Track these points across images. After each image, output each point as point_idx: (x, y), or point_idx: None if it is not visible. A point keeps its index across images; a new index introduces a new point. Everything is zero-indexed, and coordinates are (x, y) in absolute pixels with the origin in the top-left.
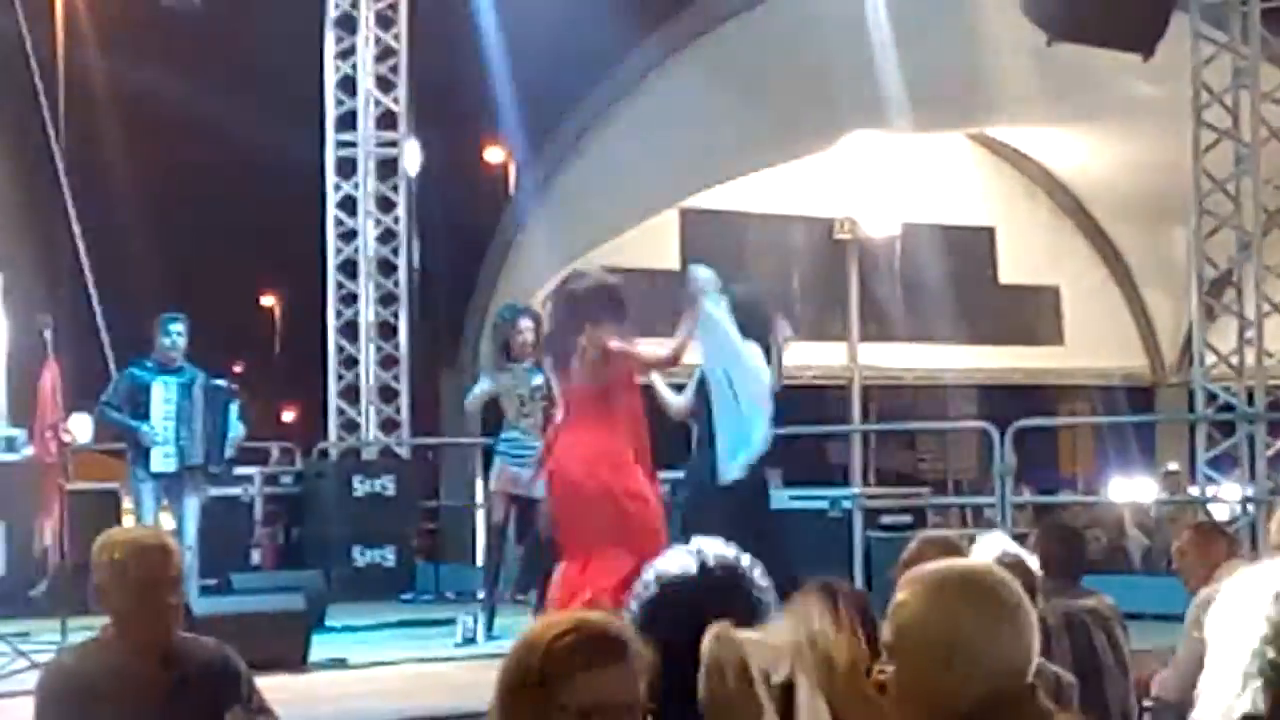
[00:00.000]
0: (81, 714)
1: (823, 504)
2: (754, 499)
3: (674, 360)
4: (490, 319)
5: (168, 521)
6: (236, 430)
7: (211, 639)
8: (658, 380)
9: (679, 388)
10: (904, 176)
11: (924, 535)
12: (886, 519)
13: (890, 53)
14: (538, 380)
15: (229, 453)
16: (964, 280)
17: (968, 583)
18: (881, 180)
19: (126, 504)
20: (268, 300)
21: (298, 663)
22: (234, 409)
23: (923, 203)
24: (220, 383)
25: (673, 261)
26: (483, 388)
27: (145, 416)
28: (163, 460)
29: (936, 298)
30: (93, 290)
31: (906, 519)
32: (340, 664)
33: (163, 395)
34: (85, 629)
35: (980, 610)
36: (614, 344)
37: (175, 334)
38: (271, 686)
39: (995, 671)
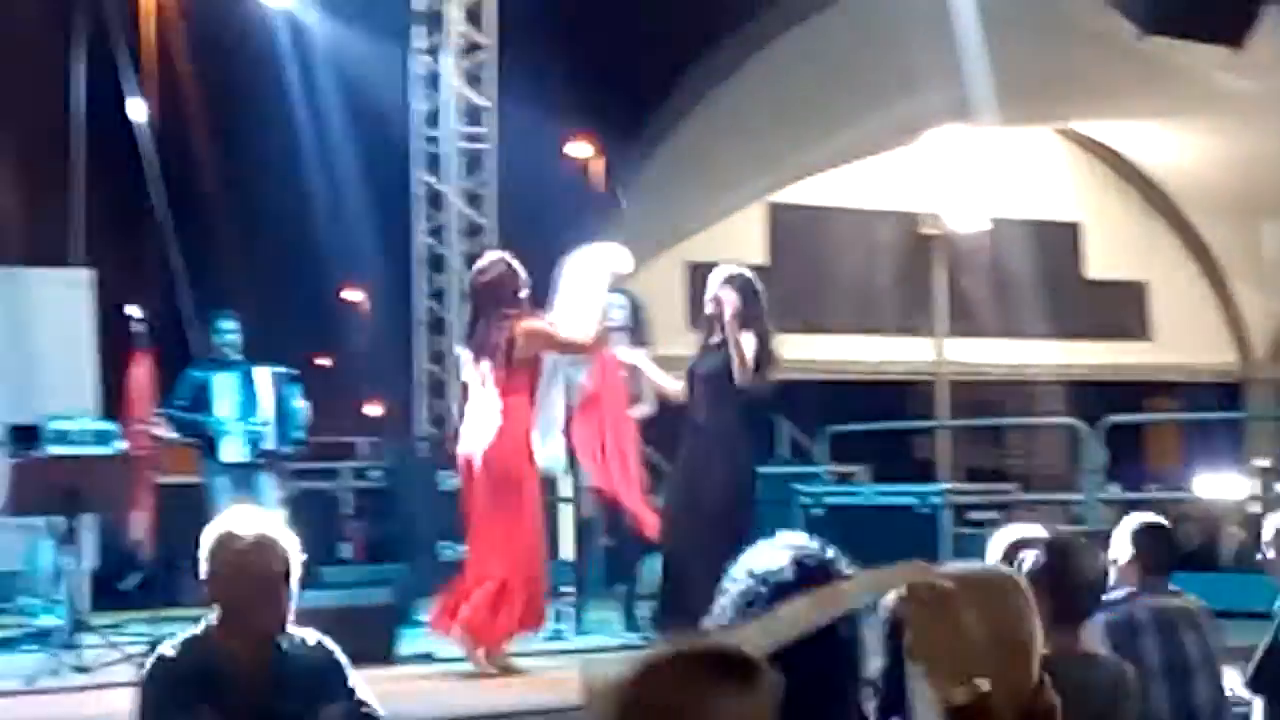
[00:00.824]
0: (186, 707)
1: (910, 500)
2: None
3: (593, 347)
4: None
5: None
6: (301, 413)
7: (314, 632)
8: (652, 367)
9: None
10: (991, 171)
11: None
12: (974, 515)
13: (978, 46)
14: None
15: (297, 434)
16: (1050, 275)
17: None
18: (968, 175)
19: None
20: (353, 295)
21: (385, 657)
22: (295, 391)
23: (1009, 198)
24: (278, 368)
25: (759, 256)
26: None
27: (211, 412)
28: (233, 451)
29: (1023, 293)
30: (182, 284)
31: (994, 515)
32: (427, 659)
33: (225, 388)
34: (175, 620)
35: None
36: (531, 324)
37: (227, 330)
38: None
39: None
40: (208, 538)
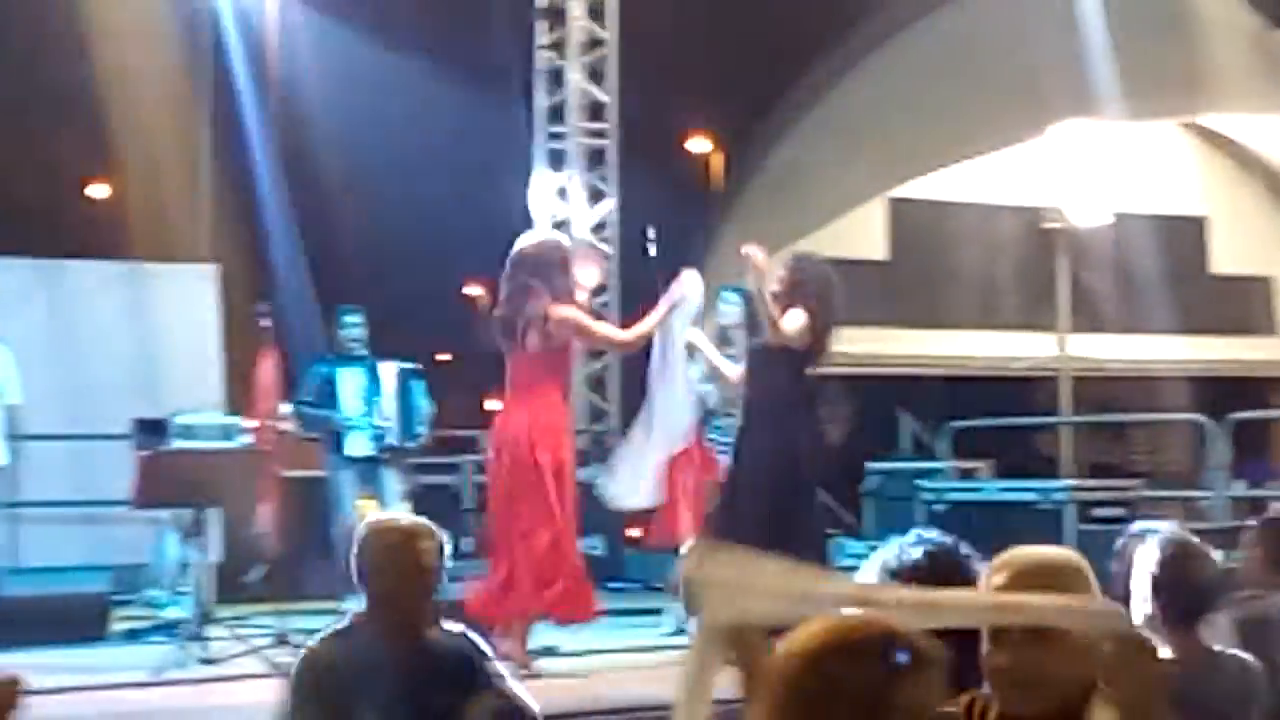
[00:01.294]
0: (339, 700)
1: (1033, 496)
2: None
3: (631, 345)
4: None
5: (368, 508)
6: (425, 408)
7: (457, 625)
8: (710, 348)
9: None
10: (1114, 165)
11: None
12: (1099, 511)
13: (1102, 39)
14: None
15: (421, 430)
16: (1175, 270)
17: None
18: (1091, 169)
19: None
20: (473, 290)
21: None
22: (419, 387)
23: (1133, 192)
24: (405, 365)
25: (880, 252)
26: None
27: (335, 407)
28: (358, 445)
29: (1147, 288)
30: (306, 280)
31: (1119, 511)
32: (550, 652)
33: (350, 383)
34: (299, 613)
35: None
36: (564, 311)
37: (352, 325)
38: None
39: None
40: (361, 532)
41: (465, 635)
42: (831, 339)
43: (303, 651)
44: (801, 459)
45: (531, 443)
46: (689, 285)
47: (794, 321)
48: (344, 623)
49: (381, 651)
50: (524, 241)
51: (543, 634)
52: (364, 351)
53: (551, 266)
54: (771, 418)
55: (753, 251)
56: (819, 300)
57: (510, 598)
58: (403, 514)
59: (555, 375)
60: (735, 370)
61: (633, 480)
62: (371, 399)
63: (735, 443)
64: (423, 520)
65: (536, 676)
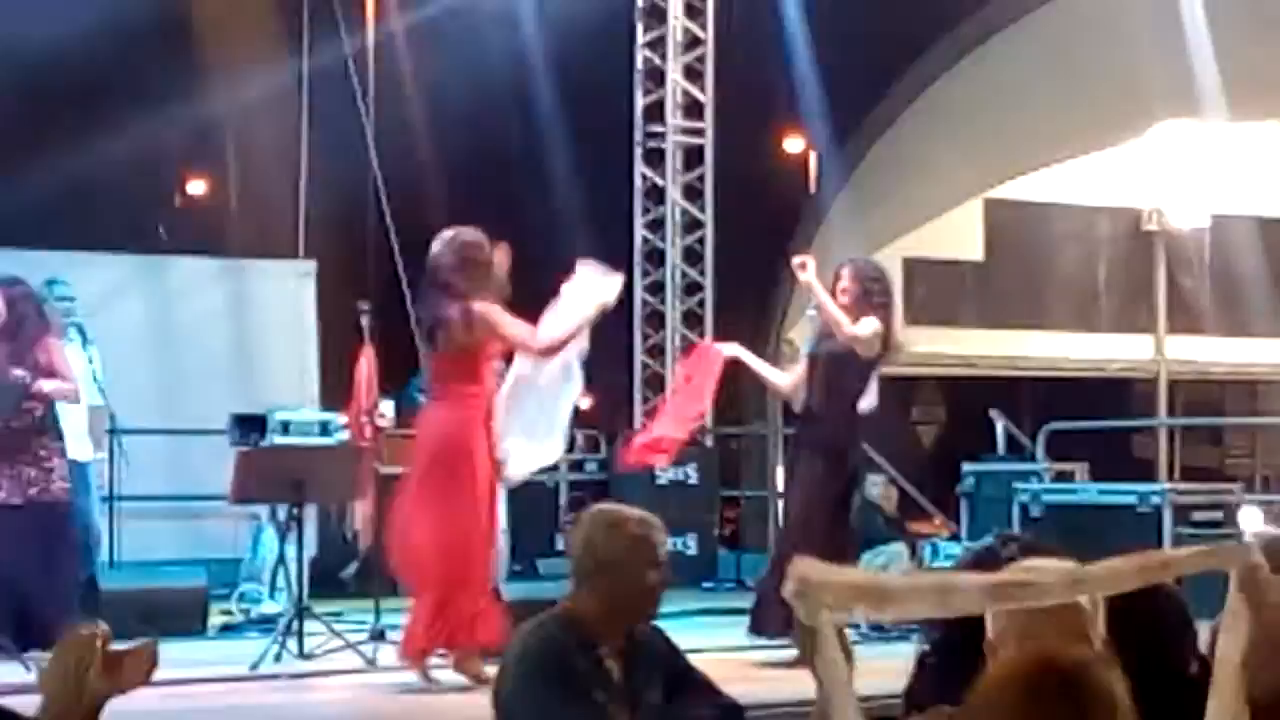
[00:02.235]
0: (561, 692)
1: (1131, 499)
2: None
3: (546, 352)
4: (794, 309)
5: None
6: None
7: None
8: (754, 360)
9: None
10: (1215, 167)
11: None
12: (1197, 515)
13: (1205, 39)
14: None
15: None
16: (1275, 272)
17: None
18: (1191, 170)
19: None
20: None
21: None
22: None
23: (1234, 193)
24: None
25: (977, 253)
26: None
27: None
28: None
29: (1247, 290)
30: (402, 276)
31: (1217, 515)
32: None
33: None
34: (395, 610)
35: None
36: (485, 307)
37: None
38: None
39: None
40: (594, 523)
41: (656, 628)
42: (898, 342)
43: (521, 640)
44: (859, 466)
45: (440, 447)
46: (586, 281)
47: (868, 328)
48: (556, 612)
49: (600, 644)
50: (441, 239)
51: None
52: None
53: (470, 264)
54: (837, 424)
55: (801, 263)
56: (887, 305)
57: (436, 625)
58: (628, 507)
59: (469, 375)
60: (785, 381)
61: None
62: None
63: (794, 453)
64: (649, 514)
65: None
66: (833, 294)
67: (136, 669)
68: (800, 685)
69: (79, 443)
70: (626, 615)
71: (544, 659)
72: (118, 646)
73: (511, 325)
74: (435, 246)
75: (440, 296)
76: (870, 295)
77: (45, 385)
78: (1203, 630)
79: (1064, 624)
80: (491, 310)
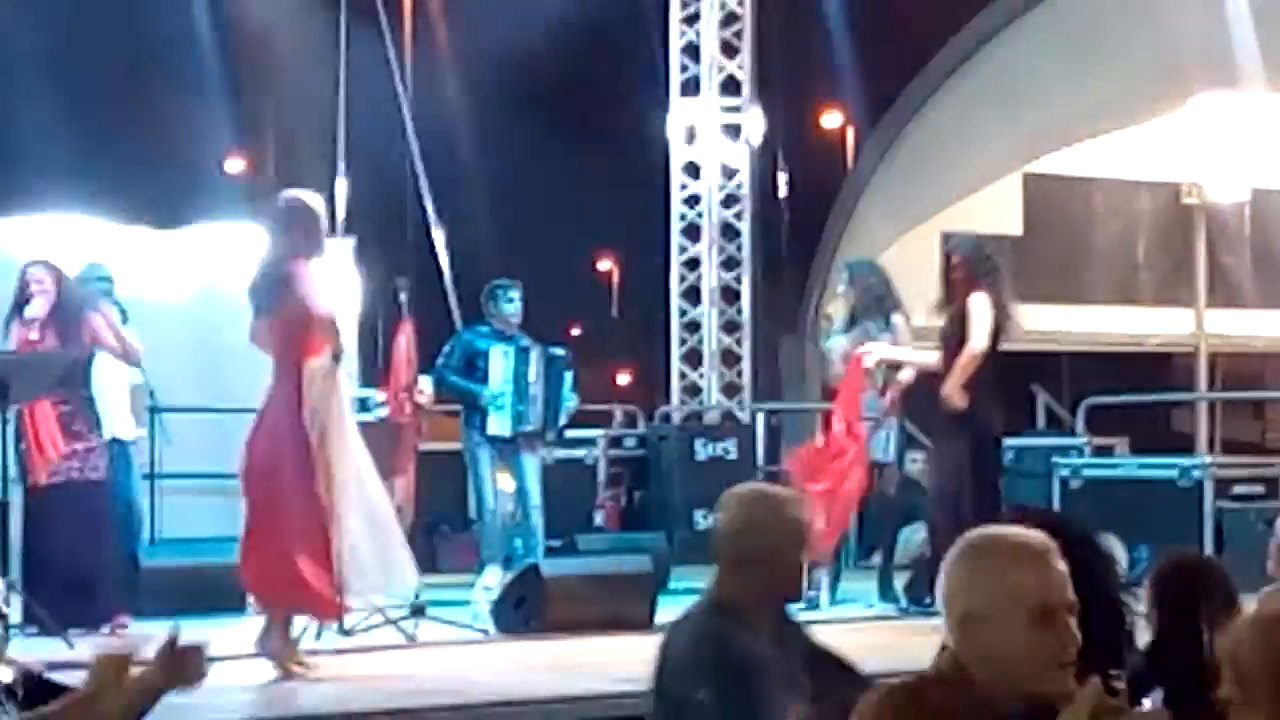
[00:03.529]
0: (723, 678)
1: (1172, 473)
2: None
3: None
4: (831, 283)
5: (506, 483)
6: (571, 400)
7: None
8: (899, 351)
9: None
10: (1254, 139)
11: None
12: (1238, 489)
13: (1243, 10)
14: (886, 337)
15: (563, 421)
16: None
17: None
18: (1230, 143)
19: None
20: (604, 264)
21: (645, 623)
22: (569, 378)
23: (1273, 166)
24: (558, 351)
25: (1015, 227)
26: (839, 341)
27: (483, 381)
28: (498, 425)
29: None
30: (442, 253)
31: (1259, 489)
32: None
33: (502, 361)
34: (436, 586)
35: None
36: (303, 273)
37: (514, 300)
38: (619, 647)
39: None
40: (749, 507)
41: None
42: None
43: (683, 632)
44: (994, 445)
45: (267, 435)
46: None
47: (981, 307)
48: (711, 599)
49: (762, 625)
50: (273, 206)
51: (677, 609)
52: (516, 330)
53: (299, 230)
54: (966, 409)
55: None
56: (995, 280)
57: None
58: (771, 486)
59: (296, 350)
60: (933, 358)
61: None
62: (518, 380)
63: (934, 436)
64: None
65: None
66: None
67: (188, 669)
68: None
69: (122, 420)
70: (782, 597)
71: (715, 649)
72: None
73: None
74: (272, 208)
75: (280, 264)
76: (978, 272)
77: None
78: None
79: None
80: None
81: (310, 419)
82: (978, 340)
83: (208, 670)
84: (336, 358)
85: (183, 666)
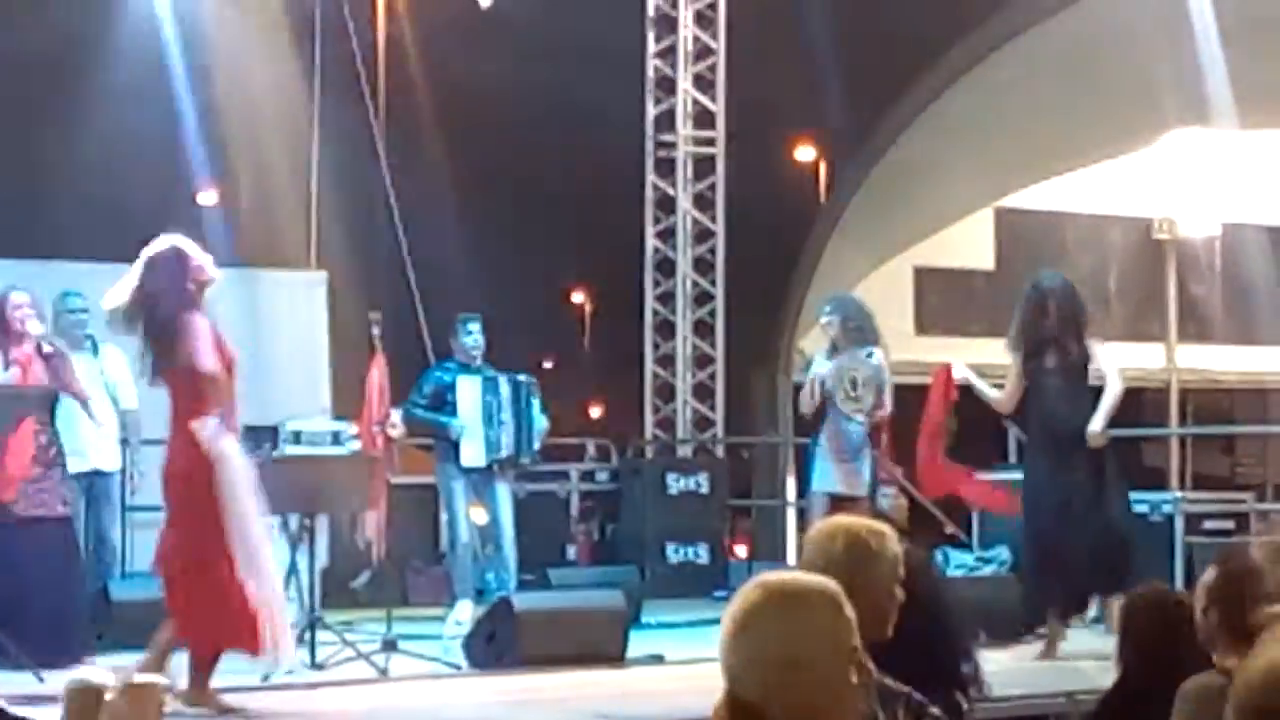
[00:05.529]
0: None
1: (1143, 508)
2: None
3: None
4: (804, 317)
5: (479, 516)
6: (541, 423)
7: None
8: (973, 376)
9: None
10: (1226, 175)
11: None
12: (1209, 524)
13: (1216, 48)
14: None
15: (536, 444)
16: None
17: None
18: (1202, 179)
19: None
20: (577, 297)
21: (617, 658)
22: (536, 402)
23: (1245, 202)
24: (522, 377)
25: (988, 262)
26: (818, 370)
27: (452, 414)
28: (473, 455)
29: (1258, 299)
30: (414, 287)
31: (1229, 524)
32: (658, 660)
33: (470, 392)
34: (407, 619)
35: None
36: (193, 328)
37: (473, 333)
38: (590, 681)
39: None
40: (849, 542)
41: None
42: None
43: None
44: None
45: (177, 471)
46: None
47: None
48: None
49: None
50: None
51: (649, 643)
52: (481, 362)
53: (176, 280)
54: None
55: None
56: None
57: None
58: (859, 520)
59: (192, 395)
60: (1001, 396)
61: None
62: (488, 409)
63: (1055, 462)
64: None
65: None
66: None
67: (146, 708)
68: None
69: (104, 452)
70: (876, 631)
71: None
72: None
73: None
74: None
75: (169, 304)
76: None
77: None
78: None
79: None
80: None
81: (216, 475)
82: (1118, 382)
83: (164, 708)
84: (223, 418)
85: (141, 702)
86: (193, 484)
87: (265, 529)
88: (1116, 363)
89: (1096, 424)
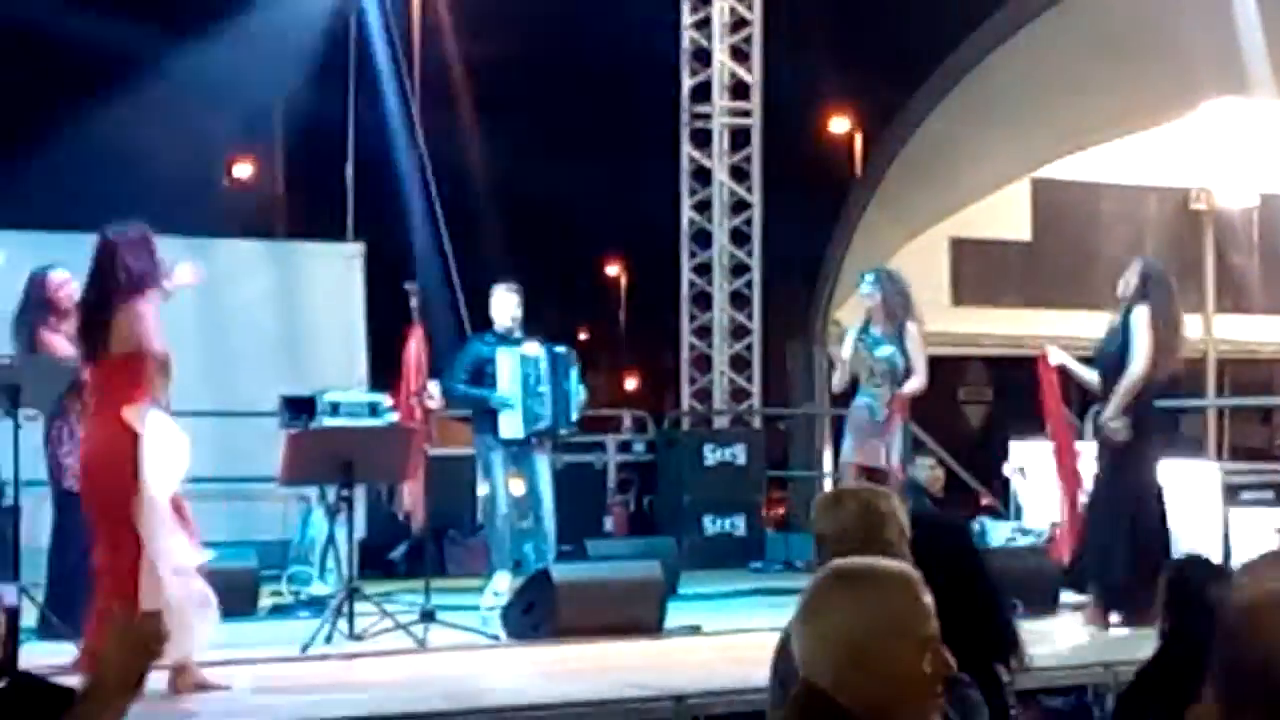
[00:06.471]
0: None
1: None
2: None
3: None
4: (841, 288)
5: (517, 487)
6: (580, 395)
7: None
8: (1068, 359)
9: (1087, 360)
10: (1263, 145)
11: None
12: (1247, 495)
13: (1253, 16)
14: (886, 351)
15: (575, 416)
16: None
17: None
18: (1239, 149)
19: None
20: (612, 269)
21: (654, 629)
22: (575, 373)
23: None
24: (561, 349)
25: (1024, 233)
26: (842, 356)
27: (492, 387)
28: (512, 428)
29: None
30: (450, 258)
31: (1268, 495)
32: (695, 631)
33: (509, 364)
34: (444, 591)
35: None
36: (137, 308)
37: (513, 304)
38: (628, 652)
39: None
40: (868, 498)
41: None
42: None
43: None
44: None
45: (98, 468)
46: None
47: (1141, 320)
48: None
49: None
50: (112, 233)
51: (686, 614)
52: (521, 333)
53: (127, 263)
54: (1138, 427)
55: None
56: (1160, 302)
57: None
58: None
59: (122, 387)
60: (1094, 378)
61: None
62: (526, 381)
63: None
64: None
65: None
66: None
67: (148, 637)
68: None
69: None
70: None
71: None
72: None
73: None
74: (111, 235)
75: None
76: (1145, 289)
77: None
78: None
79: None
80: (141, 310)
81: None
82: (1138, 363)
83: (165, 636)
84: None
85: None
86: (118, 471)
87: (172, 521)
88: (1145, 342)
89: (1108, 412)
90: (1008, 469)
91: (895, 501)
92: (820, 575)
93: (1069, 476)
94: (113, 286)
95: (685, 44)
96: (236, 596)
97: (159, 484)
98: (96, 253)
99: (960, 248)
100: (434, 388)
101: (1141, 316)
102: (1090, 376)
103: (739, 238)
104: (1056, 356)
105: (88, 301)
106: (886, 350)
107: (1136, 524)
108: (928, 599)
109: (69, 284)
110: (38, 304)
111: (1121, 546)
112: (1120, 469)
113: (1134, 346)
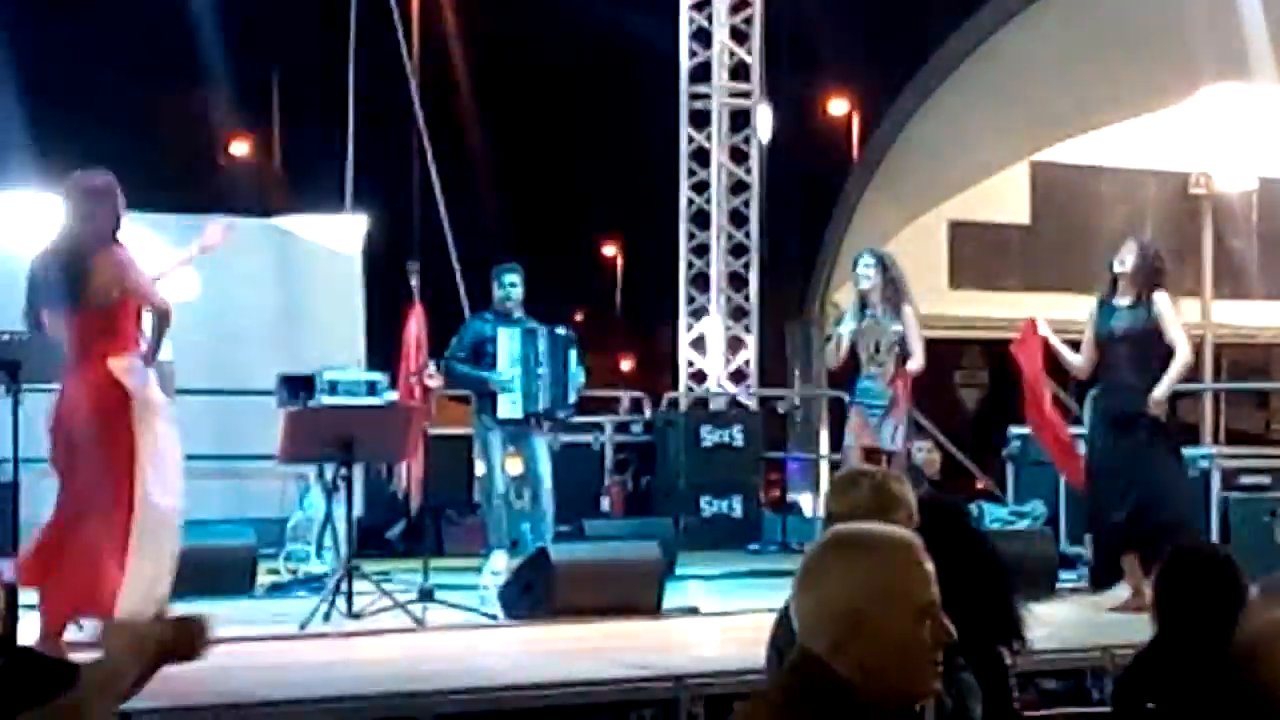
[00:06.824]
0: None
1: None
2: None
3: (157, 305)
4: (839, 270)
5: (515, 467)
6: (579, 377)
7: None
8: (1055, 339)
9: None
10: (1262, 130)
11: None
12: (1244, 479)
13: (1254, 1)
14: (897, 325)
15: (573, 398)
16: None
17: None
18: (1239, 134)
19: None
20: (609, 250)
21: (652, 610)
22: (574, 355)
23: None
24: (561, 330)
25: (1023, 216)
26: (846, 328)
27: (491, 367)
28: (510, 408)
29: None
30: (449, 237)
31: (1265, 480)
32: (693, 612)
33: (508, 344)
34: (442, 570)
35: None
36: (115, 257)
37: (511, 285)
38: (625, 632)
39: None
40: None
41: None
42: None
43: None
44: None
45: (88, 415)
46: (212, 236)
47: (1165, 308)
48: None
49: None
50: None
51: (684, 595)
52: (520, 313)
53: (112, 209)
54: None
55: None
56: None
57: (54, 587)
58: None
59: (108, 335)
60: (1080, 361)
61: None
62: (525, 362)
63: (1116, 425)
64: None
65: None
66: None
67: (190, 641)
68: None
69: None
70: None
71: None
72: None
73: (139, 275)
74: (84, 182)
75: (89, 245)
76: (1156, 273)
77: None
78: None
79: None
80: (120, 259)
81: (135, 415)
82: (1186, 346)
83: (210, 641)
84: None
85: (187, 634)
86: (109, 424)
87: (174, 477)
88: (1180, 324)
89: (1160, 391)
90: (1007, 453)
91: (907, 486)
92: (819, 541)
93: (1048, 425)
94: (86, 232)
95: (685, 24)
96: (234, 574)
97: (164, 441)
98: (64, 199)
99: (959, 230)
100: (434, 367)
101: (1165, 301)
102: (1073, 358)
103: (738, 219)
104: (1044, 328)
105: (61, 250)
106: (897, 325)
107: (1183, 485)
108: (928, 565)
109: None
110: None
111: (1177, 499)
112: (1162, 437)
113: (1172, 331)
